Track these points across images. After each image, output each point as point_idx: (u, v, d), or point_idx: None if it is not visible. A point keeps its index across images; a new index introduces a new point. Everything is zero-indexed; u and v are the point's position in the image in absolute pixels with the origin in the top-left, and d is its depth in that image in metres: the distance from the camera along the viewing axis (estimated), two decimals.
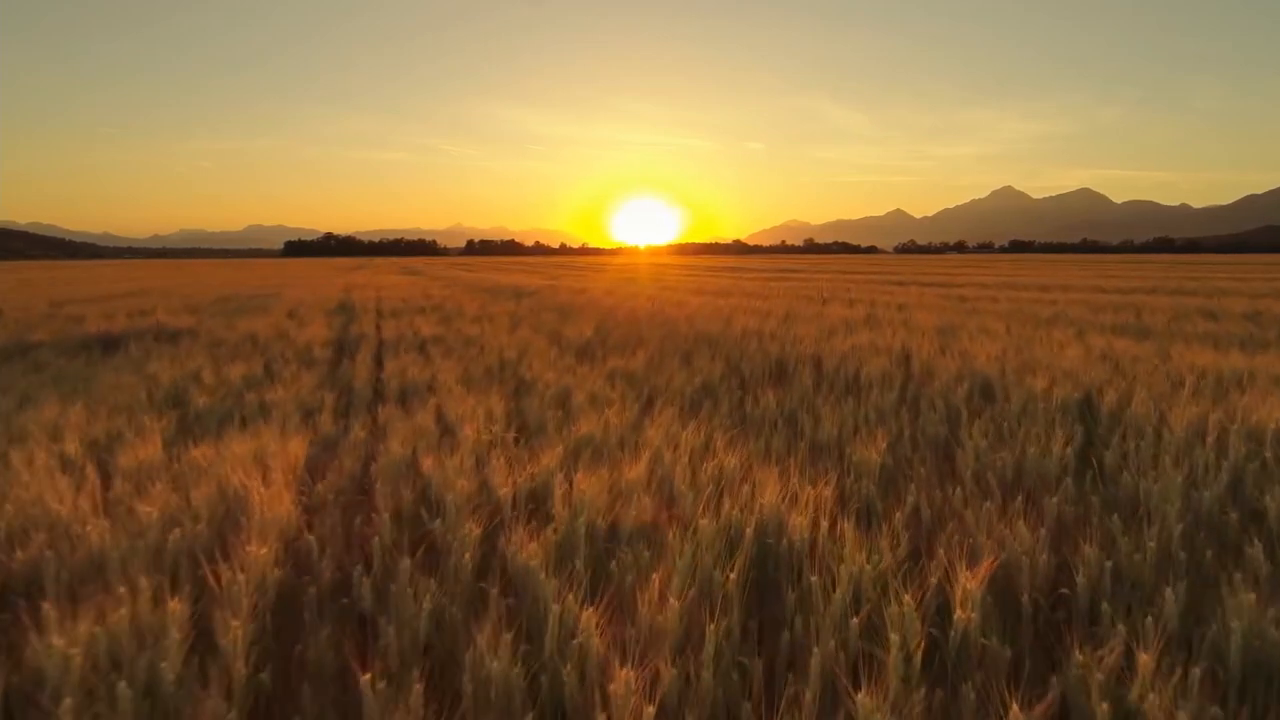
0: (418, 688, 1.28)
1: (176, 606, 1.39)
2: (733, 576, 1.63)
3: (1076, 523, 2.07)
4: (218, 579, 1.53)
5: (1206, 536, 2.02)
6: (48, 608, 1.34)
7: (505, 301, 11.69)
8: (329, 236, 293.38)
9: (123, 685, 1.25)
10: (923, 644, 1.37)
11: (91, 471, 2.21)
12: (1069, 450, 2.61)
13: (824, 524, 1.84)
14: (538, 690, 1.39)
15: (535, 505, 2.19)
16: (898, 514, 2.07)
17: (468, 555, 1.81)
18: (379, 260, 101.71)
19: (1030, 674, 1.48)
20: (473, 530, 1.88)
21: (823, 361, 4.52)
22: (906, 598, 1.39)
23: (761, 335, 5.79)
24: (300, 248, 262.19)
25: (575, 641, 1.42)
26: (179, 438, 2.97)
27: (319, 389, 3.79)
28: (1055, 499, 2.14)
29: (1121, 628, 1.50)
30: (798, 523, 1.83)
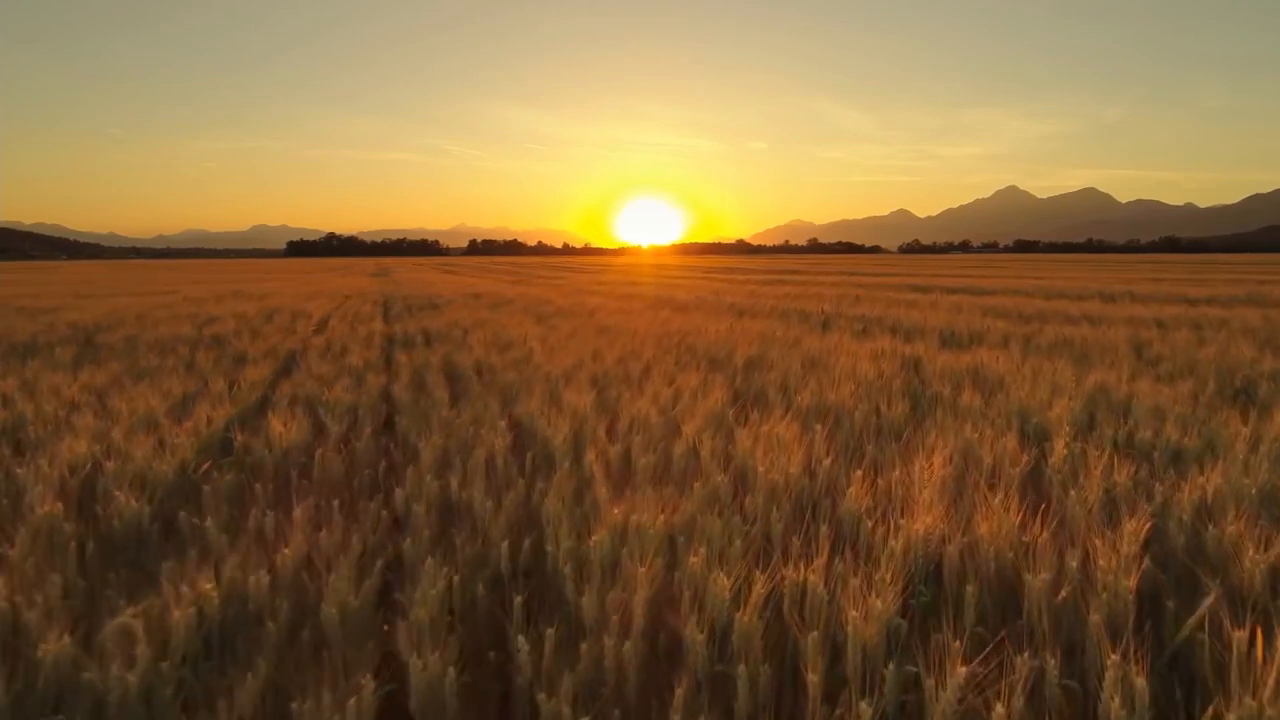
0: None
1: None
2: None
3: None
4: None
5: None
6: None
7: (374, 322, 8.28)
8: (331, 236, 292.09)
9: None
10: None
11: None
12: None
13: None
14: None
15: None
16: None
17: None
18: (367, 261, 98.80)
19: None
20: None
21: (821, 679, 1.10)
22: None
23: (670, 451, 2.38)
24: (302, 248, 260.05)
25: None
26: None
27: None
28: None
29: None
30: None
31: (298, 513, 2.04)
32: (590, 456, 2.20)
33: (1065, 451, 2.31)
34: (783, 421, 2.67)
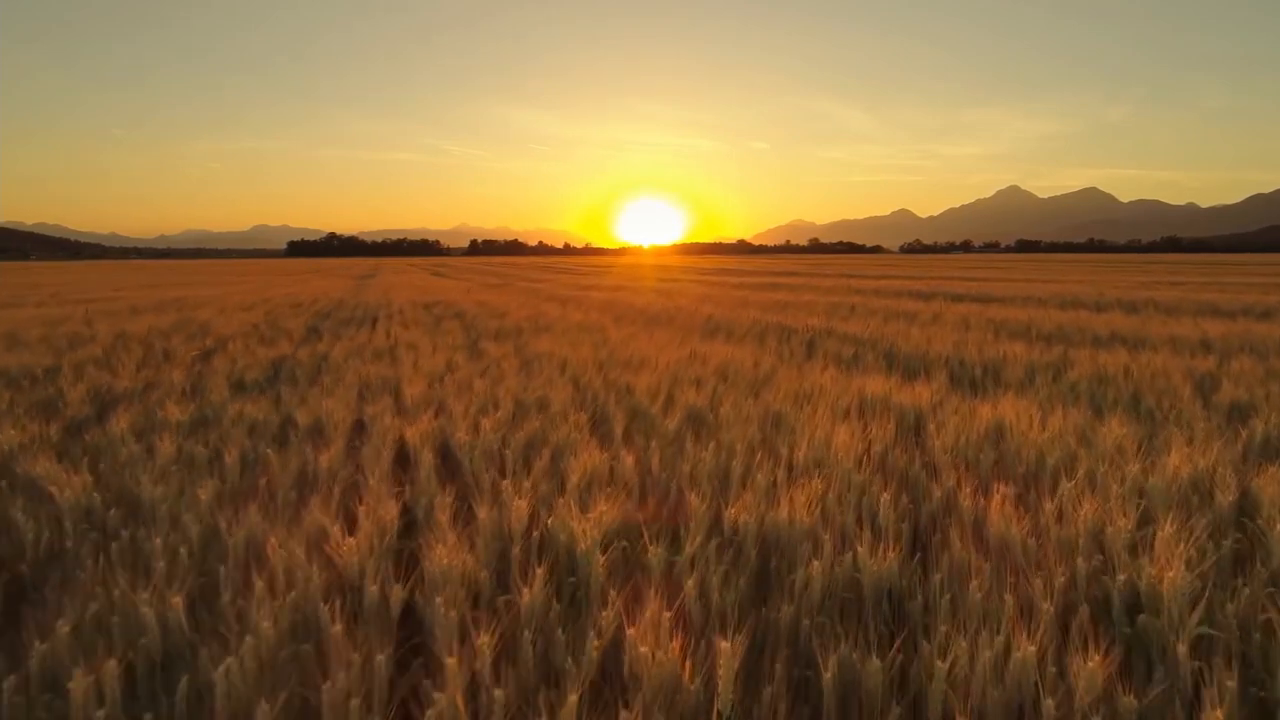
0: None
1: None
2: None
3: None
4: None
5: None
6: None
7: (282, 344, 7.09)
8: (332, 236, 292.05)
9: None
10: None
11: None
12: None
13: None
14: None
15: None
16: None
17: None
18: (363, 262, 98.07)
19: None
20: None
21: None
22: None
23: None
24: (303, 248, 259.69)
25: None
26: None
27: None
28: None
29: None
30: None
31: None
32: None
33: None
34: (683, 601, 1.47)
